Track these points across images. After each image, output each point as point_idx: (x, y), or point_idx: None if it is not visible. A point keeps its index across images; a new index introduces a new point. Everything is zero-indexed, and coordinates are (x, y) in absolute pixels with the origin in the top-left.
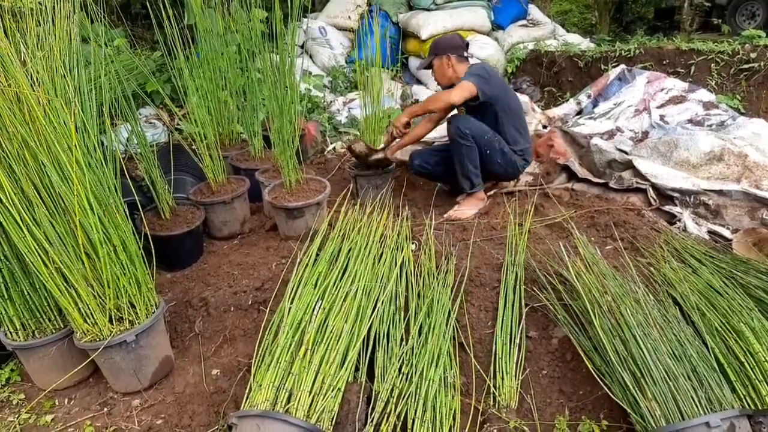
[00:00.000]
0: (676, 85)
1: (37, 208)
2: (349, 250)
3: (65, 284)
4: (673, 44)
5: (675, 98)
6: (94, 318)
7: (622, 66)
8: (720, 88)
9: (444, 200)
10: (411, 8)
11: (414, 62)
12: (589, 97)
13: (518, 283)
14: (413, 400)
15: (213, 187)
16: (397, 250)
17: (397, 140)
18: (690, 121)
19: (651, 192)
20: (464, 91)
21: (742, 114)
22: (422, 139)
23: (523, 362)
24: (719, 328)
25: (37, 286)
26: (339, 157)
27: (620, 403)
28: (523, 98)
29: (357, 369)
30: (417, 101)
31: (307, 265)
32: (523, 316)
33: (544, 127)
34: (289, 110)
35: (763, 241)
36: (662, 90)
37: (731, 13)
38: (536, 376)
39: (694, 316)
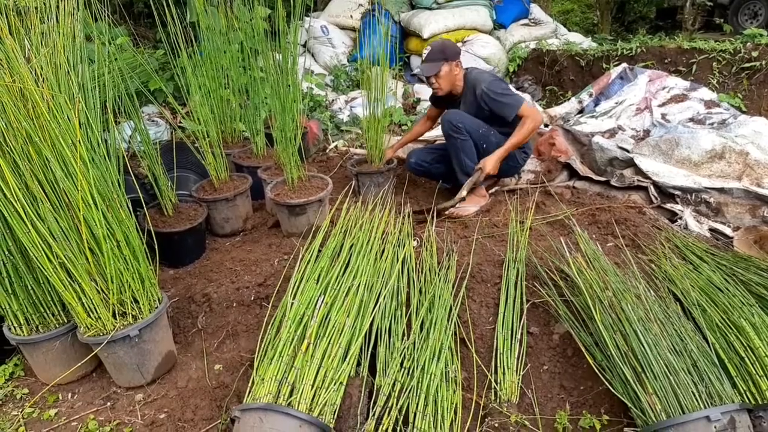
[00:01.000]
0: (677, 84)
1: (42, 204)
2: (351, 246)
3: (69, 279)
4: (675, 43)
5: (676, 97)
6: (97, 313)
7: (624, 65)
8: (721, 87)
9: (446, 198)
10: (413, 7)
11: (416, 61)
12: (590, 95)
13: (519, 279)
14: (414, 395)
15: (215, 185)
16: (399, 246)
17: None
18: (691, 119)
19: (652, 190)
20: (536, 111)
21: (743, 112)
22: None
23: (524, 357)
24: (720, 324)
25: (41, 281)
26: (341, 156)
27: (621, 398)
28: (525, 97)
29: (359, 363)
30: (419, 100)
31: (309, 260)
32: (525, 312)
33: (546, 125)
34: (291, 108)
35: (764, 238)
36: (664, 88)
37: (733, 13)
38: (537, 371)
39: (695, 312)
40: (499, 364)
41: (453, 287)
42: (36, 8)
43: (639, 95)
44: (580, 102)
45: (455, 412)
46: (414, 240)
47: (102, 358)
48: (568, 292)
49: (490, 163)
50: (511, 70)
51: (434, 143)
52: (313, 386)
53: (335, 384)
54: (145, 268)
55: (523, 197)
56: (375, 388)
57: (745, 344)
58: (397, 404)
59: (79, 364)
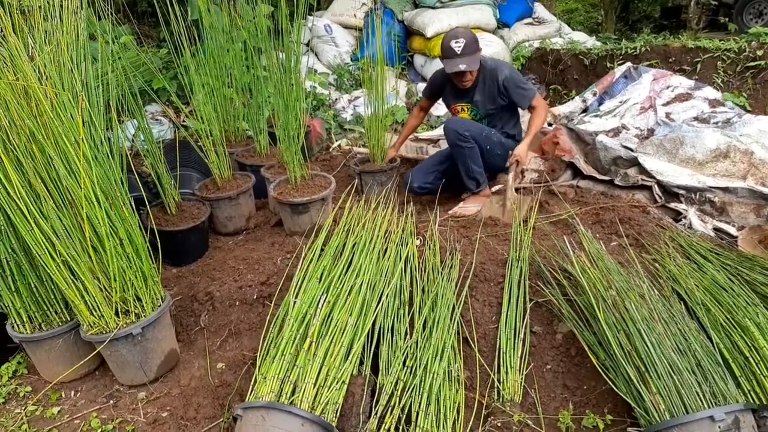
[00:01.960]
0: (682, 83)
1: (45, 202)
2: (354, 245)
3: (72, 277)
4: (680, 42)
5: (681, 96)
6: (100, 311)
7: (628, 64)
8: (726, 86)
9: (449, 197)
10: (416, 6)
11: (419, 60)
12: (594, 94)
13: (523, 278)
14: (417, 393)
15: (218, 183)
16: (402, 245)
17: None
18: (696, 118)
19: (656, 189)
20: (544, 101)
21: (748, 112)
22: (423, 138)
23: (527, 357)
24: (724, 324)
25: (44, 279)
26: (344, 155)
27: (624, 398)
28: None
29: (362, 362)
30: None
31: (311, 259)
32: (528, 311)
33: (549, 124)
34: (294, 107)
35: None
36: (668, 88)
37: (738, 12)
38: (540, 370)
39: (699, 311)
40: (502, 364)
41: (456, 286)
42: (40, 7)
43: (643, 94)
44: (584, 101)
45: (458, 411)
46: (417, 239)
47: (105, 356)
48: (572, 291)
49: (523, 153)
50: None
51: (436, 143)
52: (315, 385)
53: (338, 382)
54: (148, 266)
55: (527, 196)
56: (377, 387)
57: (749, 344)
58: (399, 403)
59: (82, 362)
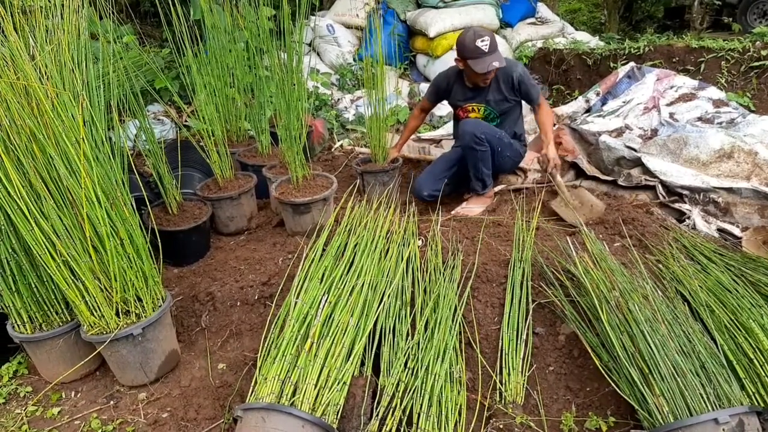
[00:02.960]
0: (685, 83)
1: (45, 201)
2: (356, 245)
3: (72, 277)
4: (683, 42)
5: (685, 96)
6: (100, 311)
7: (632, 64)
8: (730, 86)
9: (451, 197)
10: (419, 6)
11: (422, 60)
12: (597, 94)
13: (525, 279)
14: (419, 395)
15: (220, 183)
16: (404, 245)
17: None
18: (700, 118)
19: (660, 189)
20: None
21: (752, 111)
22: (425, 138)
23: (529, 358)
24: (728, 325)
25: (45, 279)
26: (346, 155)
27: (628, 399)
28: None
29: (363, 363)
30: None
31: (313, 259)
32: (530, 312)
33: (553, 125)
34: (296, 107)
35: None
36: (672, 88)
37: (742, 12)
38: (543, 372)
39: (703, 313)
40: (504, 365)
41: (458, 287)
42: (41, 7)
43: (647, 94)
44: (587, 101)
45: (459, 413)
46: (419, 239)
47: (105, 356)
48: (575, 292)
49: (554, 154)
50: None
51: (439, 143)
52: (316, 386)
53: (338, 384)
54: (149, 266)
55: (529, 196)
56: (379, 388)
57: (754, 346)
58: (401, 405)
59: (83, 362)
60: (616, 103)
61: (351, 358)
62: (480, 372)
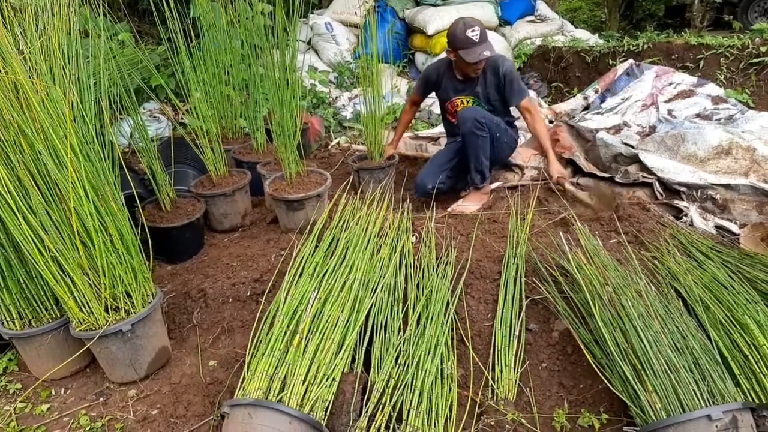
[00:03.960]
0: (684, 80)
1: (33, 196)
2: (347, 241)
3: (61, 273)
4: (682, 39)
5: (683, 92)
6: (89, 307)
7: (630, 61)
8: (729, 83)
9: (447, 195)
10: (418, 4)
11: (420, 58)
12: (596, 92)
13: (519, 275)
14: (409, 391)
15: (214, 180)
16: (397, 242)
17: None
18: (698, 115)
19: (657, 186)
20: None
21: (751, 108)
22: (423, 135)
23: (522, 355)
24: (724, 322)
25: (34, 275)
26: (343, 152)
27: (620, 396)
28: (530, 93)
29: (354, 359)
30: None
31: (304, 256)
32: (524, 309)
33: (551, 122)
34: (290, 103)
35: None
36: (670, 84)
37: (743, 10)
38: (536, 368)
39: (699, 309)
40: (496, 361)
41: (451, 283)
42: (31, 1)
43: (645, 91)
44: (586, 98)
45: (450, 410)
46: (413, 236)
47: (95, 353)
48: (568, 288)
49: (561, 170)
50: (517, 66)
51: (436, 141)
52: (304, 382)
53: (328, 380)
54: (139, 262)
55: (525, 193)
56: (369, 384)
57: (749, 342)
58: (390, 401)
59: (71, 358)
60: (615, 100)
61: (341, 354)
62: (472, 368)
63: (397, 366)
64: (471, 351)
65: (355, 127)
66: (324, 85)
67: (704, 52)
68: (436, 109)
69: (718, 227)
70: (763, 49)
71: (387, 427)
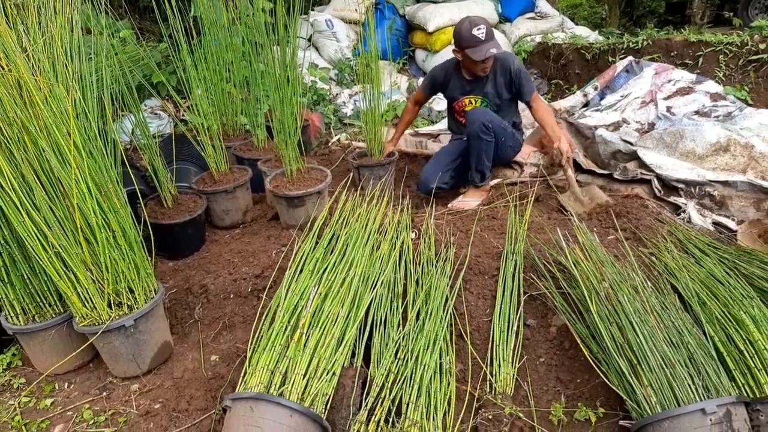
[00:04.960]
0: (683, 77)
1: (37, 193)
2: (347, 237)
3: (64, 268)
4: (682, 36)
5: (682, 90)
6: (92, 302)
7: (630, 58)
8: (728, 80)
9: (446, 191)
10: (418, 1)
11: (420, 54)
12: (596, 89)
13: (517, 271)
14: (408, 385)
15: (215, 177)
16: (397, 238)
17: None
18: (697, 112)
19: (656, 183)
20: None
21: (750, 105)
22: (423, 132)
23: (520, 350)
24: (719, 317)
25: (37, 271)
26: (343, 149)
27: (616, 390)
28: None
29: (354, 354)
30: None
31: (305, 251)
32: (522, 304)
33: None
34: (291, 100)
35: None
36: (670, 81)
37: (743, 7)
38: (533, 363)
39: (695, 304)
40: (495, 356)
41: (450, 279)
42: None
43: (644, 88)
44: (585, 95)
45: (449, 404)
46: (413, 232)
47: (98, 348)
48: (566, 284)
49: (566, 146)
50: None
51: (437, 138)
52: (305, 376)
53: (328, 374)
54: (141, 257)
55: (525, 190)
56: (369, 378)
57: (744, 337)
58: (390, 395)
59: (74, 353)
60: (614, 97)
61: (341, 348)
62: (470, 363)
63: (397, 360)
64: (469, 346)
65: (356, 124)
66: (324, 82)
67: (703, 49)
68: (437, 106)
69: (715, 224)
70: (762, 46)
71: (386, 420)
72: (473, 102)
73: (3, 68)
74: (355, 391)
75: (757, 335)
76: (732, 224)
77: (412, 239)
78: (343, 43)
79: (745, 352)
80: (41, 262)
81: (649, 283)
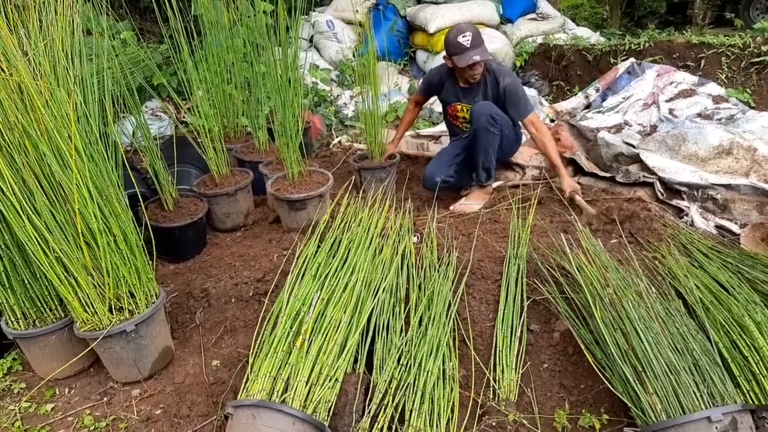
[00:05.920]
0: (685, 79)
1: (38, 197)
2: (350, 242)
3: (65, 273)
4: (684, 38)
5: (684, 92)
6: (93, 307)
7: (632, 59)
8: (730, 82)
9: (448, 193)
10: (419, 2)
11: (421, 56)
12: (597, 90)
13: (520, 275)
14: (411, 392)
15: (217, 179)
16: (399, 242)
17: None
18: (699, 114)
19: (658, 186)
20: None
21: (752, 108)
22: (424, 134)
23: (523, 355)
24: (724, 323)
25: (38, 276)
26: (344, 151)
27: (621, 397)
28: (531, 92)
29: (356, 360)
30: None
31: (307, 256)
32: (525, 309)
33: (552, 120)
34: (293, 102)
35: None
36: (672, 83)
37: (745, 7)
38: (537, 369)
39: (699, 310)
40: (498, 362)
41: (453, 284)
42: (34, 2)
43: (646, 90)
44: (587, 97)
45: (452, 410)
46: (414, 236)
47: (98, 353)
48: (569, 289)
49: (568, 185)
50: (518, 65)
51: (438, 139)
52: (307, 383)
53: (330, 381)
54: (142, 262)
55: (527, 193)
56: (371, 385)
57: (749, 343)
58: (393, 401)
59: (75, 358)
60: (616, 99)
61: (343, 355)
62: (473, 369)
63: (399, 367)
64: (473, 352)
65: (357, 125)
66: (325, 83)
67: (705, 51)
68: (438, 108)
69: (718, 227)
70: (764, 48)
71: (389, 427)
72: (464, 110)
73: (4, 72)
74: (357, 397)
75: (762, 341)
76: (735, 228)
77: (414, 243)
78: (345, 44)
79: (749, 358)
80: (42, 267)
81: (653, 288)
